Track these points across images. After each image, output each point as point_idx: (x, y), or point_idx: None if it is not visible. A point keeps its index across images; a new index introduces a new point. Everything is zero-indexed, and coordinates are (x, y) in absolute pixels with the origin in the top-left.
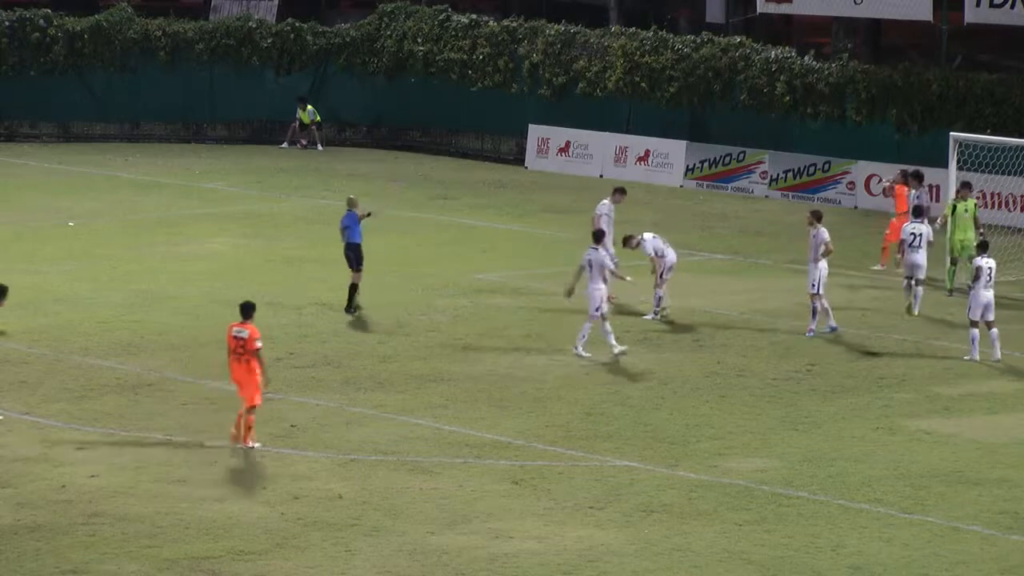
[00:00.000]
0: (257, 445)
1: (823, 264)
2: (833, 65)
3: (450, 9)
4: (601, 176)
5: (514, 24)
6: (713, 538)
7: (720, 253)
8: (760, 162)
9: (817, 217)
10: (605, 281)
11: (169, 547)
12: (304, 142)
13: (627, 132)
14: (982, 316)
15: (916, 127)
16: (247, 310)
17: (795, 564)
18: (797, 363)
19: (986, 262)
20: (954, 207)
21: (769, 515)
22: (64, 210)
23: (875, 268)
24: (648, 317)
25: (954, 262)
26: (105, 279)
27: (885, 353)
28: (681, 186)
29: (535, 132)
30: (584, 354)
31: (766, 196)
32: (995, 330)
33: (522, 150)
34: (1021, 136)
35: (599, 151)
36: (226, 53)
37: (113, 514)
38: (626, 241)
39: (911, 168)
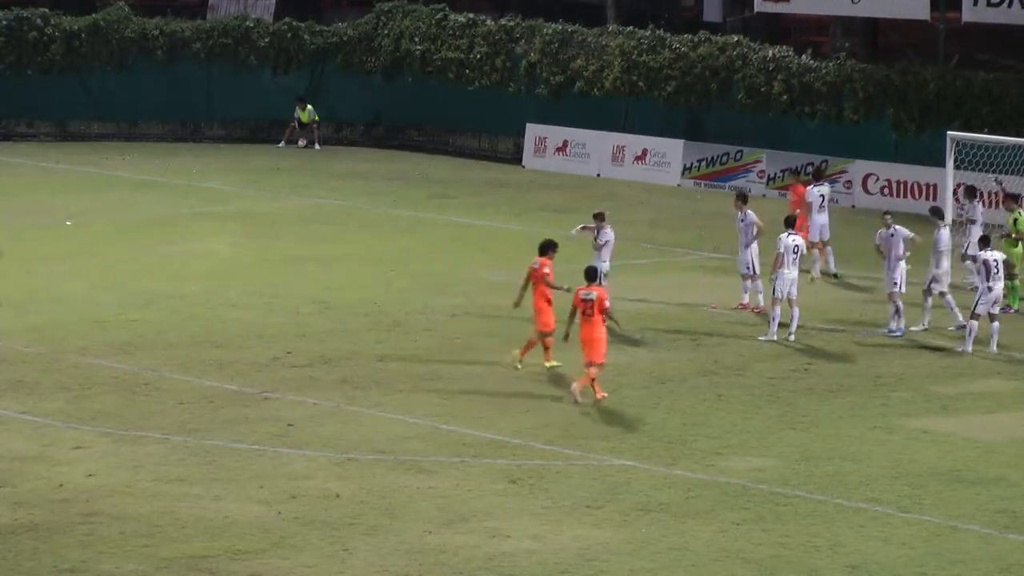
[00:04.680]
0: (605, 395)
1: (903, 264)
2: (830, 64)
3: (447, 8)
4: (598, 175)
5: (511, 23)
6: (710, 537)
7: (717, 252)
8: (757, 161)
9: (887, 218)
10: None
11: (166, 546)
12: (303, 142)
13: (624, 131)
14: (987, 310)
15: (913, 126)
16: (592, 274)
17: (792, 563)
18: (795, 362)
19: (993, 255)
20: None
21: (766, 514)
22: (61, 209)
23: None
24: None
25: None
26: (102, 278)
27: (883, 352)
28: (678, 185)
29: (532, 131)
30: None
31: (763, 195)
32: (996, 323)
33: (519, 149)
34: (1019, 135)
35: (596, 150)
36: (223, 52)
37: (110, 513)
38: (597, 216)
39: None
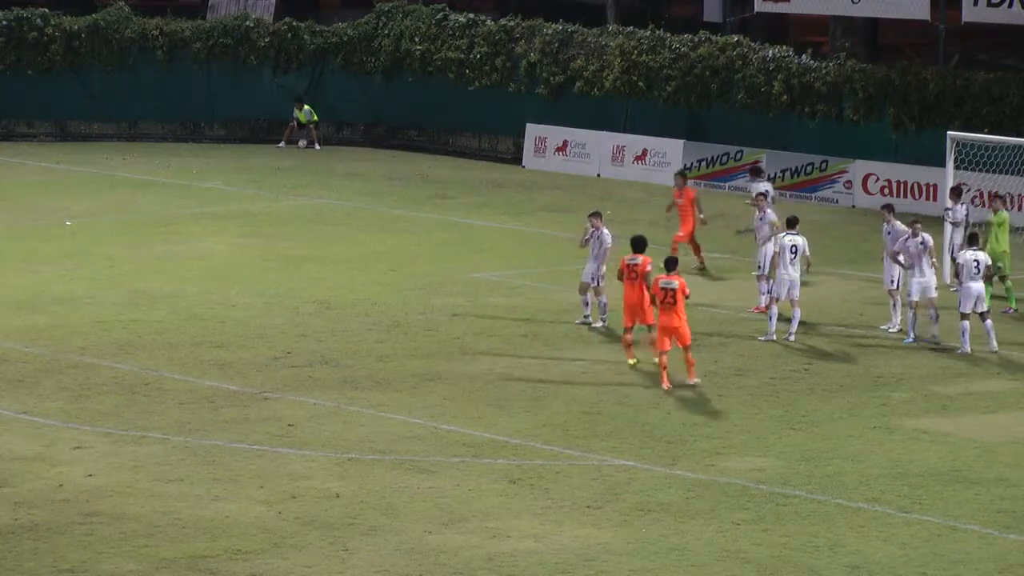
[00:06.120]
0: (698, 381)
1: (930, 270)
2: (830, 64)
3: (447, 8)
4: (599, 175)
5: (511, 23)
6: (711, 537)
7: (717, 252)
8: (757, 161)
9: (916, 225)
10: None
11: (166, 546)
12: (304, 142)
13: (624, 131)
14: (974, 308)
15: (913, 126)
16: (671, 264)
17: (793, 563)
18: (795, 362)
19: (972, 255)
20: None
21: (767, 514)
22: (62, 210)
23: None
24: (597, 324)
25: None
26: (103, 278)
27: (883, 352)
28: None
29: (532, 131)
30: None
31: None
32: (989, 321)
33: (519, 149)
34: (1019, 135)
35: (596, 150)
36: (223, 52)
37: (110, 513)
38: (593, 215)
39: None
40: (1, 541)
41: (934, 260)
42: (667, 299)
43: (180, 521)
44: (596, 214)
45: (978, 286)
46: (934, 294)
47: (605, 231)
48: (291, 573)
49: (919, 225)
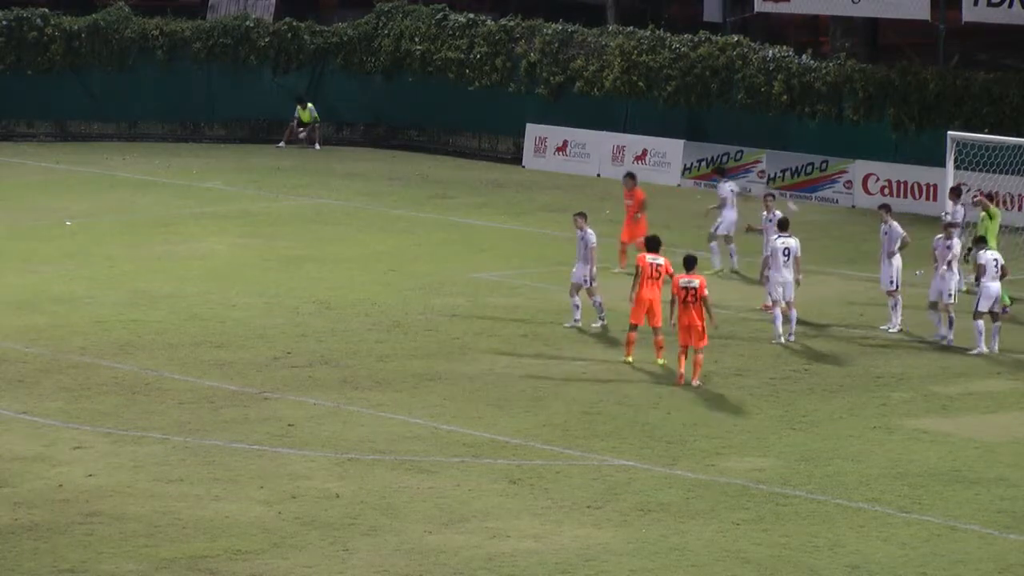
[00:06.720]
0: (700, 383)
1: (950, 273)
2: (830, 64)
3: (447, 8)
4: (599, 175)
5: (511, 23)
6: (711, 537)
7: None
8: (757, 161)
9: (950, 228)
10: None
11: (166, 546)
12: (303, 132)
13: (624, 131)
14: (990, 308)
15: (913, 126)
16: (690, 263)
17: (793, 563)
18: (795, 362)
19: (992, 255)
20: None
21: (767, 514)
22: (62, 210)
23: (616, 271)
24: (595, 325)
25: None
26: (103, 278)
27: (883, 352)
28: (678, 185)
29: (532, 131)
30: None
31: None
32: (998, 323)
33: (519, 149)
34: (1018, 135)
35: (596, 150)
36: (223, 52)
37: (110, 513)
38: (579, 217)
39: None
40: (1, 541)
41: (946, 265)
42: (688, 297)
43: (180, 521)
44: (581, 214)
45: (996, 286)
46: (949, 299)
47: (590, 231)
48: (291, 573)
49: (952, 229)
